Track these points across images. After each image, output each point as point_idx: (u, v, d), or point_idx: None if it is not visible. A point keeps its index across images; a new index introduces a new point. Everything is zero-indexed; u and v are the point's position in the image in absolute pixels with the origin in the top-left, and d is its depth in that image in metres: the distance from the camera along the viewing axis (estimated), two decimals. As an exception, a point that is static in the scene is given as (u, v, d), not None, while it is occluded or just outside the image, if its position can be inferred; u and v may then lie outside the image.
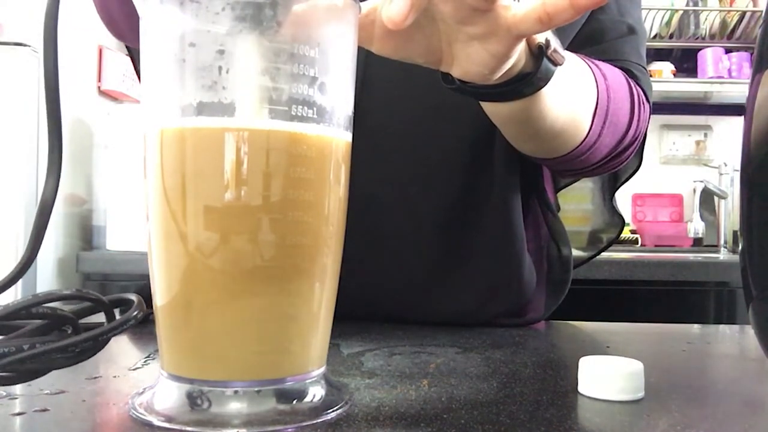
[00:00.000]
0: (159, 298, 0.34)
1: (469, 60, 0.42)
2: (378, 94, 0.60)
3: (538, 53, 0.44)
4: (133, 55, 0.75)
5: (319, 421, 0.32)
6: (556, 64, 0.45)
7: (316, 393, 0.34)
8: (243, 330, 0.32)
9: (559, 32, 0.45)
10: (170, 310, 0.33)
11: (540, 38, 0.43)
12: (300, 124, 0.32)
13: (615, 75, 0.61)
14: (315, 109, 0.32)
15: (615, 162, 0.64)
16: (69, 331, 0.33)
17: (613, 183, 0.77)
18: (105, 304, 0.34)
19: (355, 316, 0.61)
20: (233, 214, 0.31)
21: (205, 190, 0.31)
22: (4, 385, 0.32)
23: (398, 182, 0.63)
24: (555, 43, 0.44)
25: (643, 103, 0.64)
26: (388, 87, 0.61)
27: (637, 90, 0.63)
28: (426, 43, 0.42)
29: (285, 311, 0.33)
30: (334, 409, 0.34)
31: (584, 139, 0.56)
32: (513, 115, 0.51)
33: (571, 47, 0.61)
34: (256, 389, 0.32)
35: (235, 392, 0.32)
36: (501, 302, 0.65)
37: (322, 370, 0.36)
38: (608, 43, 0.65)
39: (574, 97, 0.54)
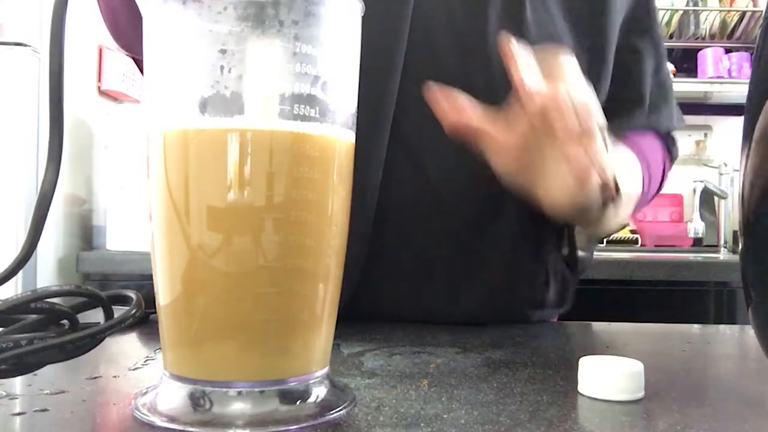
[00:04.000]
0: (162, 298, 0.33)
1: (555, 181, 0.46)
2: (412, 107, 0.60)
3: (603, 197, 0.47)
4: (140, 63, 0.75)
5: (321, 421, 0.32)
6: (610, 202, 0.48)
7: (319, 393, 0.34)
8: (246, 330, 0.32)
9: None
10: (173, 310, 0.33)
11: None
12: (303, 124, 0.32)
13: (654, 153, 0.67)
14: (318, 108, 0.32)
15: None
16: (66, 327, 0.33)
17: None
18: (103, 300, 0.34)
19: (360, 318, 0.61)
20: (237, 214, 0.31)
21: (208, 190, 0.31)
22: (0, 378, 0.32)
23: (429, 191, 0.62)
24: (617, 182, 0.47)
25: (668, 164, 0.71)
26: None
27: (668, 159, 0.70)
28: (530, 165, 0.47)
29: (288, 312, 0.33)
30: (338, 409, 0.34)
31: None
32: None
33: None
34: (258, 390, 0.32)
35: (238, 393, 0.32)
36: (514, 305, 0.65)
37: (325, 370, 0.35)
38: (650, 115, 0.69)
39: (626, 197, 0.56)
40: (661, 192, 0.74)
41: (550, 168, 0.46)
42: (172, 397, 0.33)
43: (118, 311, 0.35)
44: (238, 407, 0.32)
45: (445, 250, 0.63)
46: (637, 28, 0.68)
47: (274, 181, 0.31)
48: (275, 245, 0.31)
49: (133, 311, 0.34)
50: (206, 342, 0.33)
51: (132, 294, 0.35)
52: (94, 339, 0.33)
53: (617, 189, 0.48)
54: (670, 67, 2.11)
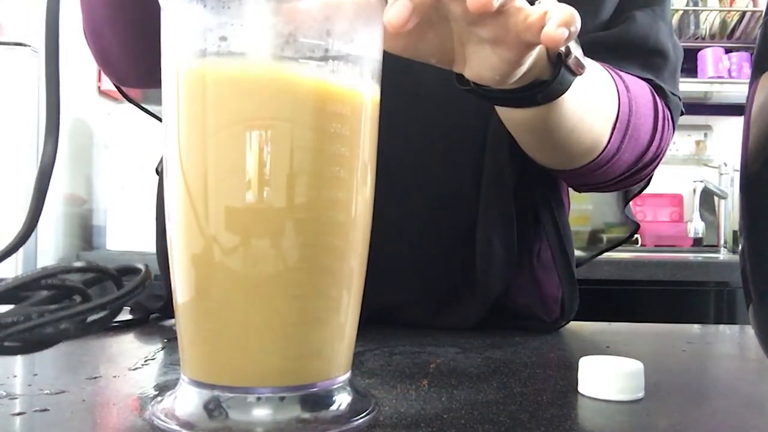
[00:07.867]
0: (180, 296, 0.32)
1: (480, 63, 0.40)
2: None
3: (557, 61, 0.42)
4: (136, 101, 0.72)
5: (345, 429, 0.31)
6: (575, 73, 0.43)
7: (342, 400, 0.33)
8: (269, 334, 0.31)
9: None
10: (191, 310, 0.32)
11: None
12: (331, 125, 0.31)
13: (640, 88, 0.58)
14: (349, 107, 0.32)
15: (634, 179, 0.61)
16: (78, 301, 0.33)
17: (624, 194, 0.73)
18: (112, 275, 0.34)
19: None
20: (258, 215, 0.30)
21: (228, 191, 0.30)
22: (11, 354, 0.32)
23: (405, 203, 0.61)
24: (576, 52, 0.42)
25: (668, 121, 0.61)
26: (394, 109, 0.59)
27: (663, 107, 0.60)
28: (438, 43, 0.41)
29: (314, 314, 0.32)
30: (361, 416, 0.32)
31: (602, 153, 0.54)
32: (527, 122, 0.49)
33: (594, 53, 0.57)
34: (279, 396, 0.31)
35: (258, 399, 0.31)
36: (511, 315, 0.64)
37: (348, 375, 0.34)
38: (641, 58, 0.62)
39: (593, 108, 0.52)
40: (661, 160, 0.62)
41: (471, 54, 0.40)
42: (191, 402, 0.32)
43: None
44: (258, 414, 0.31)
45: (434, 263, 0.62)
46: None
47: (296, 179, 0.30)
48: (300, 246, 0.30)
49: (143, 281, 0.34)
50: (226, 346, 0.31)
51: (141, 266, 0.35)
52: (105, 310, 0.33)
53: (568, 52, 0.41)
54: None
